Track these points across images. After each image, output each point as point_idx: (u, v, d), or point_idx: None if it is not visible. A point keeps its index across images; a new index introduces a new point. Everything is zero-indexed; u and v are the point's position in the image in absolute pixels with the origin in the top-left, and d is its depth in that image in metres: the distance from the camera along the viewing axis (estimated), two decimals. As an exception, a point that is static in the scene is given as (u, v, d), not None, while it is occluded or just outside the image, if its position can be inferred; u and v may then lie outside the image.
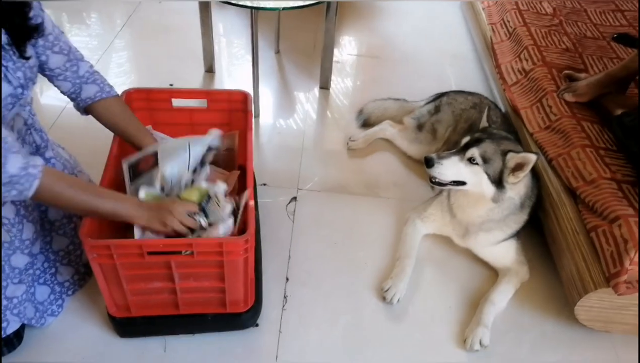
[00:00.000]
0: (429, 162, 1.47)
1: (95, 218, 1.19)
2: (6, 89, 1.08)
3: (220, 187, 1.33)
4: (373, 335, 1.47)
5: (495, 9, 2.53)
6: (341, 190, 1.91)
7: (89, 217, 1.18)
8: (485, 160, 1.44)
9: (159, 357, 1.37)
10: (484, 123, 1.60)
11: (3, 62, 1.07)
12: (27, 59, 1.12)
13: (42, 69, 1.22)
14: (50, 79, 1.27)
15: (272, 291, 1.54)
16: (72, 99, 1.34)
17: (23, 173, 1.01)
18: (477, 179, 1.46)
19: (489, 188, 1.46)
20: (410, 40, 2.85)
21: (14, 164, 1.00)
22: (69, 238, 1.43)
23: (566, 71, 1.98)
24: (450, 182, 1.50)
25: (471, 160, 1.46)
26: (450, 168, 1.47)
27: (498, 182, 1.45)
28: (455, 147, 1.55)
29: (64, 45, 1.22)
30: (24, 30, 1.09)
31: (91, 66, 1.32)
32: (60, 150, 1.46)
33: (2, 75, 1.06)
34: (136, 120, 1.39)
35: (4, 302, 1.26)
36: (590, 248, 1.43)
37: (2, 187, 1.00)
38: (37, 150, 1.31)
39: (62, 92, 1.31)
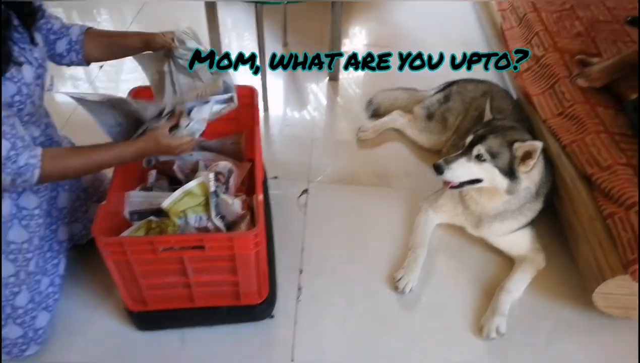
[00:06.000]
0: (438, 169, 1.46)
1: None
2: (29, 70, 1.17)
3: (211, 176, 1.34)
4: (388, 324, 1.47)
5: (505, -6, 2.50)
6: (352, 181, 1.91)
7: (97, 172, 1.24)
8: (493, 155, 1.43)
9: (177, 349, 1.38)
10: (487, 116, 1.58)
11: (21, 45, 1.17)
12: (36, 44, 1.22)
13: (47, 41, 1.29)
14: (52, 49, 1.32)
15: (286, 283, 1.54)
16: (69, 53, 1.35)
17: (26, 164, 1.09)
18: (489, 175, 1.45)
19: (503, 182, 1.45)
20: (419, 28, 2.82)
21: (22, 158, 1.09)
22: (82, 224, 1.48)
23: (579, 56, 1.95)
24: (465, 182, 1.48)
25: (479, 158, 1.44)
26: (460, 170, 1.46)
27: (510, 173, 1.44)
28: (466, 136, 1.53)
29: (52, 15, 1.32)
30: (31, 14, 1.20)
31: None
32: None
33: (24, 58, 1.16)
34: (125, 33, 1.41)
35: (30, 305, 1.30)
36: (607, 235, 1.41)
37: (12, 176, 1.09)
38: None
39: (60, 56, 1.34)
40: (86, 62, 1.38)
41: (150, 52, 1.35)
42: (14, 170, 1.08)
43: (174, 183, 1.52)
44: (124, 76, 2.33)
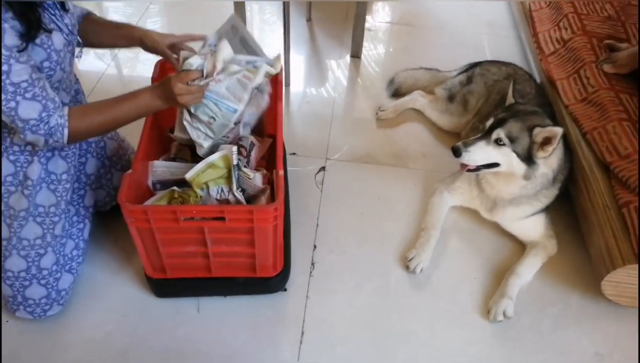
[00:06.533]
0: (456, 152, 1.47)
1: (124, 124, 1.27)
2: (59, 37, 1.19)
3: (234, 149, 1.34)
4: (397, 302, 1.51)
5: (535, -26, 2.43)
6: (369, 160, 1.93)
7: (120, 126, 1.26)
8: (512, 140, 1.43)
9: (193, 316, 1.44)
10: (510, 100, 1.57)
11: (52, 11, 1.19)
12: (67, 10, 1.25)
13: None
14: None
15: (300, 258, 1.59)
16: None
17: (57, 123, 1.14)
18: (507, 159, 1.45)
19: (520, 167, 1.45)
20: (445, 7, 2.78)
21: (53, 118, 1.14)
22: (106, 190, 1.53)
23: (607, 41, 1.91)
24: (483, 165, 1.49)
25: (498, 142, 1.44)
26: (478, 153, 1.46)
27: (528, 158, 1.44)
28: (487, 120, 1.53)
29: None
30: None
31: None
32: None
33: (54, 25, 1.18)
34: (116, 23, 1.43)
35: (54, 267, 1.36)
36: (620, 224, 1.41)
37: (45, 137, 1.14)
38: None
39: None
40: (83, 44, 1.37)
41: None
42: (46, 130, 1.13)
43: (196, 155, 1.56)
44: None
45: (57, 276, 1.37)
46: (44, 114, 1.12)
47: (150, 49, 1.38)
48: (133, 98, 1.23)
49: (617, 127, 1.57)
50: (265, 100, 1.43)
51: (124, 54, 2.33)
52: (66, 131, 1.16)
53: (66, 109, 1.17)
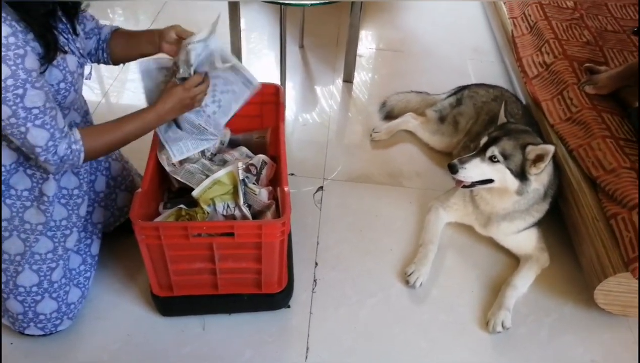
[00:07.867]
0: (452, 168, 1.53)
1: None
2: (72, 59, 1.24)
3: (240, 164, 1.40)
4: (399, 316, 1.54)
5: (517, 2, 2.57)
6: (366, 180, 1.98)
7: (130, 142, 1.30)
8: (506, 157, 1.50)
9: (198, 334, 1.45)
10: (502, 119, 1.65)
11: (65, 35, 1.23)
12: (77, 35, 1.30)
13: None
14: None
15: (303, 275, 1.62)
16: (97, 51, 1.42)
17: (69, 151, 1.17)
18: (501, 176, 1.52)
19: (513, 182, 1.52)
20: (431, 34, 2.90)
21: (60, 148, 1.17)
22: (110, 211, 1.56)
23: (587, 64, 2.02)
24: (477, 182, 1.55)
25: (492, 159, 1.51)
26: (473, 170, 1.52)
27: (521, 175, 1.51)
28: (477, 139, 1.60)
29: (86, 16, 1.40)
30: (74, 5, 1.28)
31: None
32: None
33: (68, 47, 1.23)
34: (142, 32, 1.45)
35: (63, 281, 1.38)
36: (609, 234, 1.48)
37: (56, 165, 1.18)
38: None
39: (90, 54, 1.41)
40: (113, 61, 1.44)
41: (157, 61, 1.40)
42: (56, 160, 1.16)
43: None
44: (130, 76, 2.42)
45: (66, 289, 1.38)
46: (50, 143, 1.14)
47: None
48: (138, 115, 1.28)
49: (602, 144, 1.66)
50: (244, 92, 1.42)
51: (108, 80, 2.38)
52: (82, 155, 1.20)
53: (78, 134, 1.20)
